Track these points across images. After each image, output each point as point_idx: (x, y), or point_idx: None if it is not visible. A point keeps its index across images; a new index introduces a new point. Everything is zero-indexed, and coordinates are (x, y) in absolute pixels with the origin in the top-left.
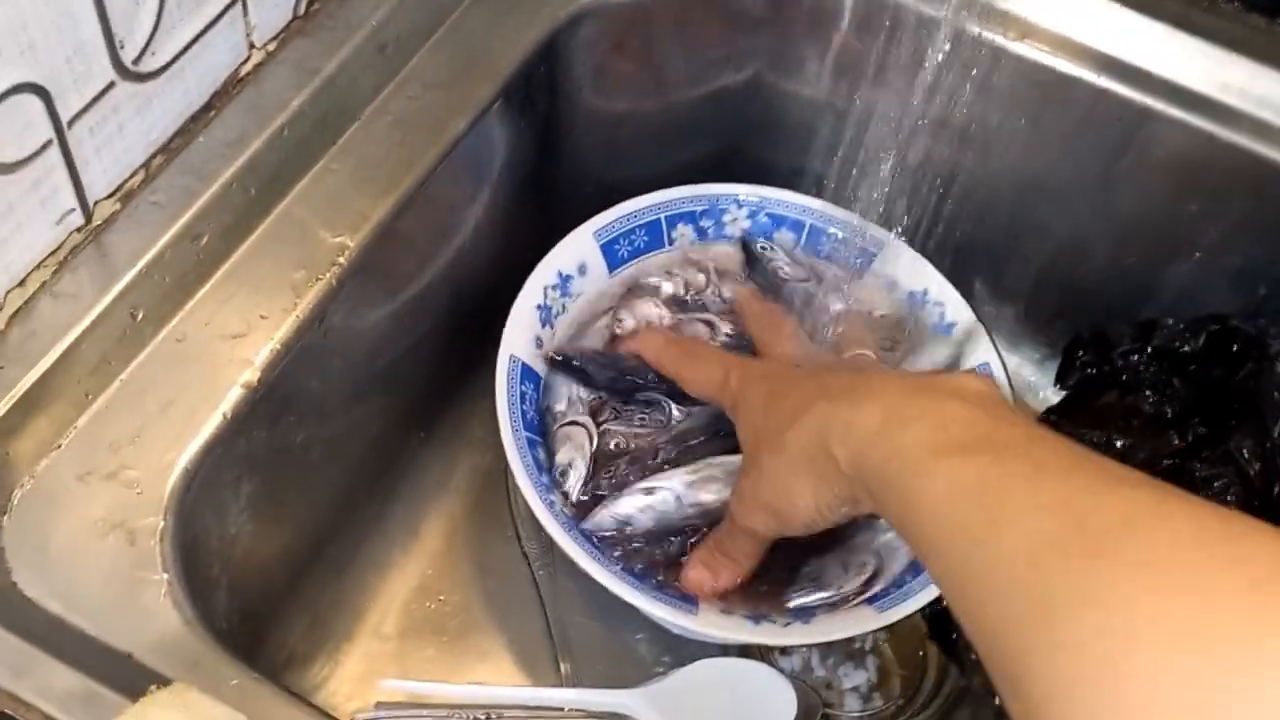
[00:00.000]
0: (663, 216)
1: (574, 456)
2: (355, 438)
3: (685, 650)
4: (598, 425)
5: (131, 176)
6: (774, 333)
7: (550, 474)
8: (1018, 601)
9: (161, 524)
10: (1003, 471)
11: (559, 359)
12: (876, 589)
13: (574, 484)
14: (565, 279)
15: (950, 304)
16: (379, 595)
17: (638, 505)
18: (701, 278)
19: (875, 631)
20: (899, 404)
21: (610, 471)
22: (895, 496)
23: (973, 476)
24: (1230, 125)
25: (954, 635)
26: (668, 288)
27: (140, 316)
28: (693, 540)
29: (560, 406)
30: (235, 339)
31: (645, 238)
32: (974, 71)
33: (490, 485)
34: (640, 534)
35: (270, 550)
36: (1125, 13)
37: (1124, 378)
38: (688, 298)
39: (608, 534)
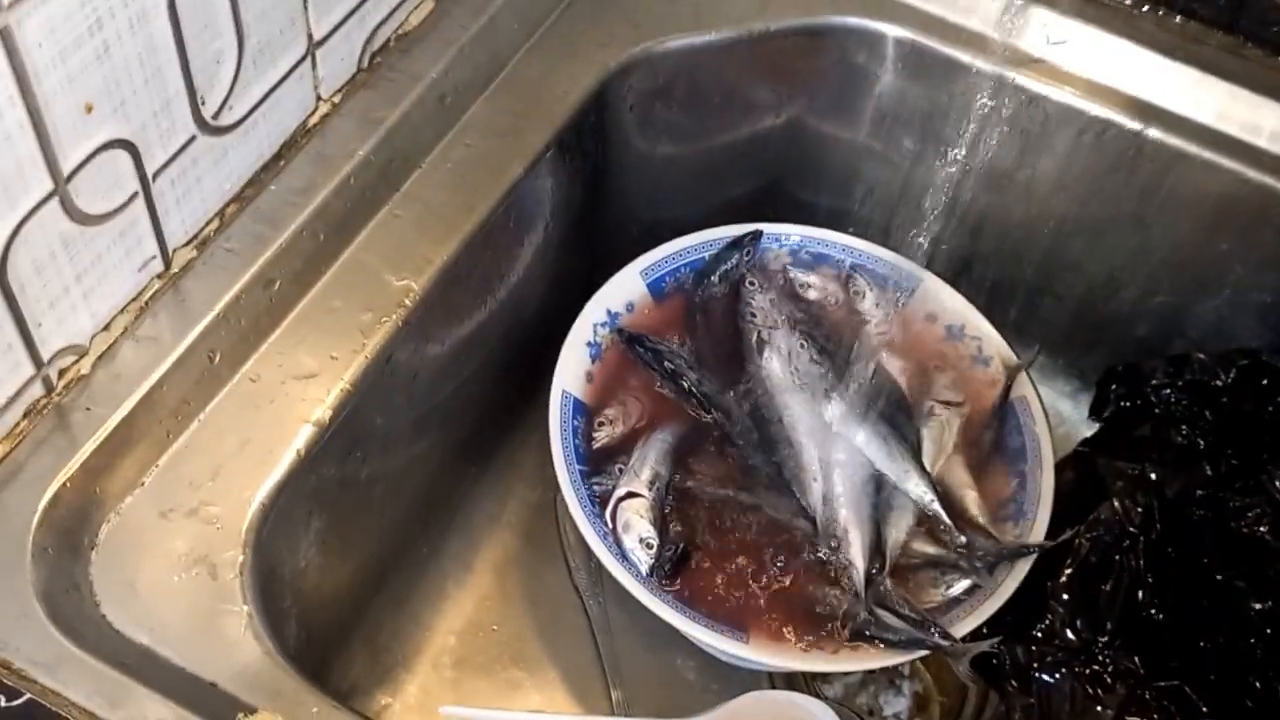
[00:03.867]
0: (706, 255)
1: (642, 534)
2: (414, 473)
3: (734, 678)
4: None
5: (207, 225)
6: None
7: (620, 549)
8: None
9: (241, 558)
10: None
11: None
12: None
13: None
14: (614, 316)
15: (986, 338)
16: (435, 627)
17: None
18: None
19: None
20: None
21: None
22: None
23: None
24: (1260, 166)
25: (994, 661)
26: None
27: (217, 359)
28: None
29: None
30: (307, 379)
31: (690, 275)
32: (1012, 116)
33: (540, 518)
34: None
35: (336, 583)
36: (1158, 59)
37: (1157, 411)
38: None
39: None
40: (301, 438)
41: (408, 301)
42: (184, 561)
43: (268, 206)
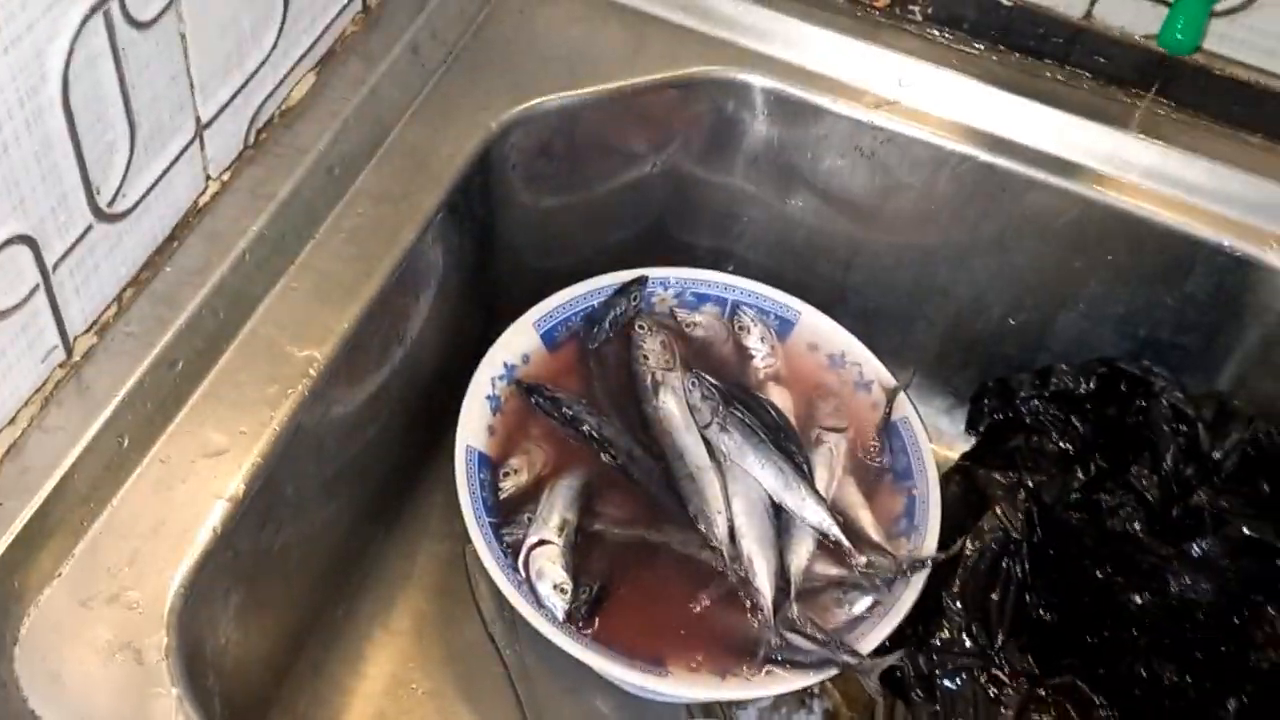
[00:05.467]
0: (596, 303)
1: (556, 580)
2: (325, 537)
3: (652, 714)
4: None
5: (106, 310)
6: None
7: (535, 596)
8: None
9: (165, 641)
10: None
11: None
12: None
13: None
14: (510, 368)
15: (866, 364)
16: (355, 691)
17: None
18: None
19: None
20: None
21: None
22: None
23: None
24: (1101, 187)
25: (898, 673)
26: None
27: (126, 443)
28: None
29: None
30: (217, 456)
31: (582, 324)
32: (873, 154)
33: (451, 573)
34: None
35: (256, 656)
36: (1001, 93)
37: (1027, 421)
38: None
39: None
40: (216, 514)
41: (312, 371)
42: (108, 649)
43: (165, 288)
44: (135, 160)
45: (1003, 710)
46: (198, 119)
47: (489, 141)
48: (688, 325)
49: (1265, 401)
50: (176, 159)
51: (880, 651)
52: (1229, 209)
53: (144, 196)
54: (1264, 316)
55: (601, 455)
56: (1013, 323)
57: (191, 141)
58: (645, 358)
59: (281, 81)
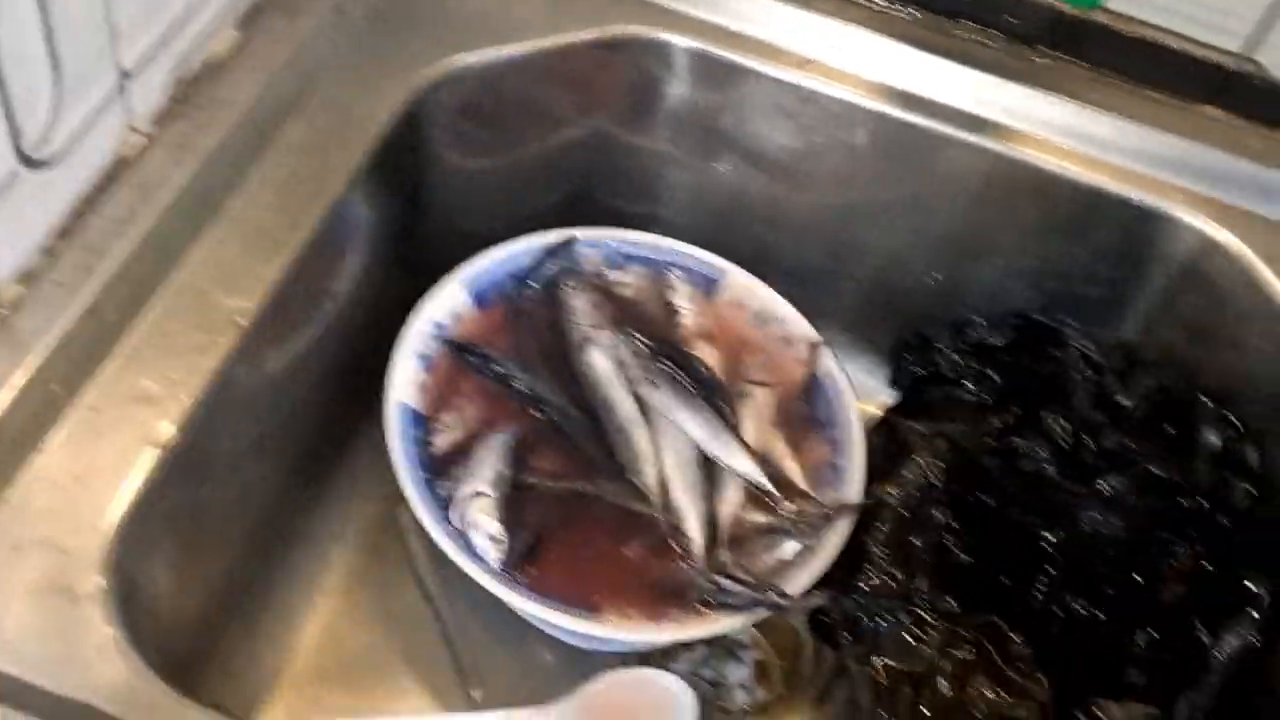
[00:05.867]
0: (524, 263)
1: (490, 530)
2: (257, 495)
3: (590, 665)
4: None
5: (33, 260)
6: None
7: (470, 547)
8: None
9: (100, 582)
10: None
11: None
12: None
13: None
14: (440, 327)
15: (790, 321)
16: (289, 647)
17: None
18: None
19: (751, 628)
20: None
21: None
22: None
23: None
24: (1012, 143)
25: (826, 619)
26: None
27: (56, 391)
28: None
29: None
30: (148, 403)
31: (511, 283)
32: (793, 114)
33: (383, 533)
34: None
35: (189, 610)
36: (915, 52)
37: (946, 373)
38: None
39: None
40: (148, 461)
41: (241, 321)
42: (42, 592)
43: (92, 238)
44: (59, 106)
45: (925, 648)
46: (120, 68)
47: (414, 99)
48: (615, 285)
49: (1169, 349)
50: (100, 108)
51: (807, 594)
52: (1134, 163)
53: (69, 145)
54: (1167, 267)
55: (533, 411)
56: (931, 278)
57: (115, 91)
58: (574, 316)
59: (204, 35)
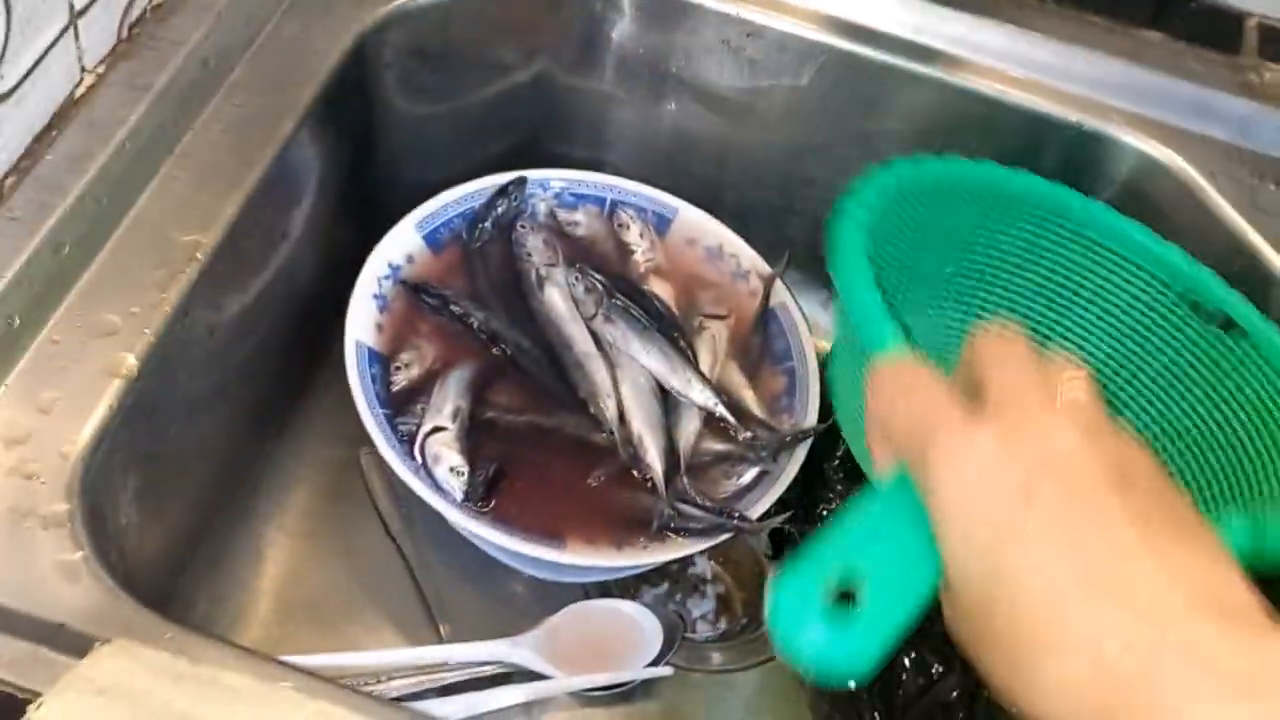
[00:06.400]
0: (476, 205)
1: (452, 463)
2: (219, 435)
3: (556, 598)
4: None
5: None
6: (1015, 366)
7: (433, 481)
8: None
9: (69, 508)
10: None
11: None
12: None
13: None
14: (395, 268)
15: (742, 255)
16: (257, 588)
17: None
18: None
19: (712, 563)
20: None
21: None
22: None
23: None
24: (959, 72)
25: (786, 543)
26: None
27: (17, 324)
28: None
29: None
30: (109, 336)
31: (463, 225)
32: (739, 49)
33: (345, 474)
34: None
35: (154, 547)
36: None
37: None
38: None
39: None
40: (112, 392)
41: (199, 255)
42: (11, 517)
43: (47, 175)
44: (11, 42)
45: None
46: (71, 6)
47: (363, 37)
48: (568, 224)
49: None
50: (52, 45)
51: (767, 517)
52: (1077, 87)
53: (21, 81)
54: (1109, 188)
55: (492, 348)
56: None
57: (66, 28)
58: (529, 255)
59: None
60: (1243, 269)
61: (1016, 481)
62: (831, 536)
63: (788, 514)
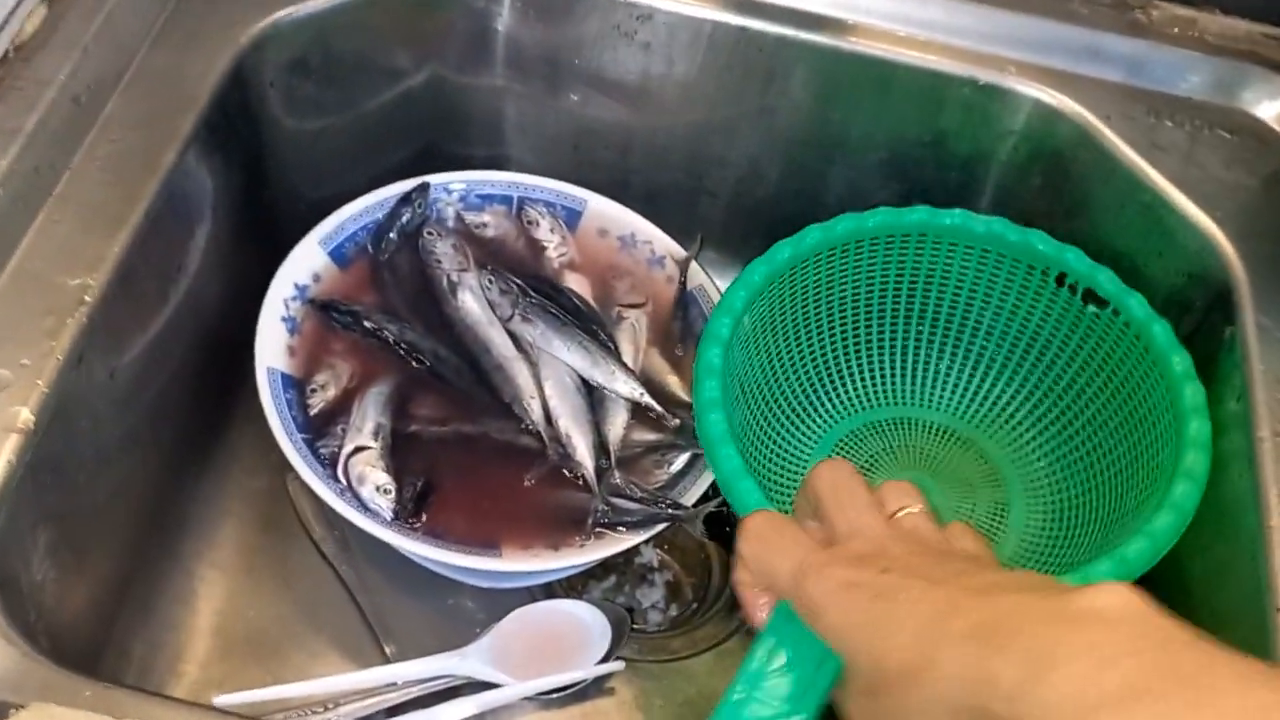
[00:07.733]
0: (380, 216)
1: (378, 482)
2: (135, 479)
3: (503, 604)
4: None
5: None
6: (849, 502)
7: (360, 502)
8: None
9: None
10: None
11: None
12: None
13: (389, 505)
14: (302, 289)
15: (656, 241)
16: (191, 628)
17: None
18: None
19: (658, 551)
20: (1045, 641)
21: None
22: None
23: None
24: (851, 36)
25: (727, 529)
26: None
27: None
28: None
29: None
30: (2, 391)
31: (369, 238)
32: (630, 33)
33: (274, 505)
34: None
35: (79, 598)
36: None
37: None
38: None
39: None
40: (9, 448)
41: (87, 298)
42: None
43: None
44: None
45: None
46: None
47: (239, 58)
48: (476, 227)
49: (1027, 218)
50: None
51: (702, 501)
52: (968, 41)
53: None
54: (1009, 140)
55: (409, 361)
56: (789, 185)
57: None
58: (439, 262)
59: (10, 14)
60: (1146, 206)
61: (873, 583)
62: (739, 676)
63: (719, 498)
